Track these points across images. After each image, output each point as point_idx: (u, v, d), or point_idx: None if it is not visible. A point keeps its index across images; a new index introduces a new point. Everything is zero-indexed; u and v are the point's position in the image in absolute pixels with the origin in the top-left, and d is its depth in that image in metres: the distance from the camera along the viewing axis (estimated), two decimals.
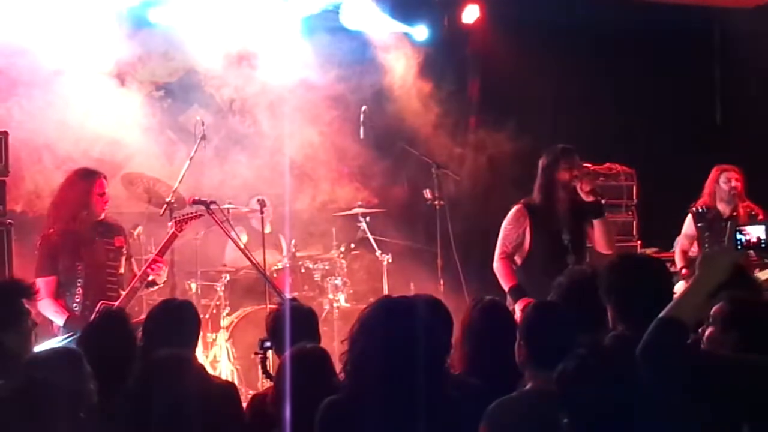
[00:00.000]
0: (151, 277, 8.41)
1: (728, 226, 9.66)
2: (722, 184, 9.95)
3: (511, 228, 8.59)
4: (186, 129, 10.96)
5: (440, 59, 12.23)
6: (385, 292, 10.71)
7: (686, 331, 4.17)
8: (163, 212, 9.35)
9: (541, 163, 8.67)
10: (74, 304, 8.14)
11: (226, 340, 10.03)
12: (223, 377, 9.21)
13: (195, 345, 6.23)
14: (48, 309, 8.08)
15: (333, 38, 11.58)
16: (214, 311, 10.27)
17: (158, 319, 6.06)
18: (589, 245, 8.91)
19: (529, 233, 8.53)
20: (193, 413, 4.83)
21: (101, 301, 8.05)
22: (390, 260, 10.96)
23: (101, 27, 10.37)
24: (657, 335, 4.11)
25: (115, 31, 10.47)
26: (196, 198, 9.03)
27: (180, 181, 9.55)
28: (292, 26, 11.41)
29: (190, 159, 9.86)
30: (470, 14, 12.18)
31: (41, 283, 8.04)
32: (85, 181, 8.31)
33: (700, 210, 9.98)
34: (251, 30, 11.21)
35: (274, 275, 10.17)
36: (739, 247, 4.60)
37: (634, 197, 11.73)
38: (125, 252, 8.50)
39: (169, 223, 8.84)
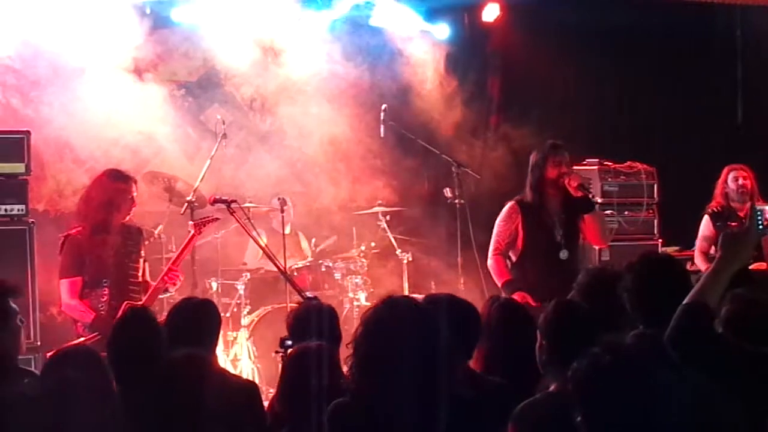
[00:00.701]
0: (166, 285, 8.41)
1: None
2: (730, 183, 9.97)
3: (504, 225, 8.70)
4: (207, 127, 10.99)
5: (461, 57, 12.23)
6: (406, 290, 10.71)
7: (711, 313, 4.17)
8: (184, 211, 9.36)
9: (531, 159, 8.76)
10: (100, 305, 8.07)
11: (247, 339, 10.03)
12: (244, 376, 9.21)
13: (215, 343, 6.25)
14: (74, 310, 8.08)
15: (354, 36, 11.59)
16: (235, 310, 10.28)
17: (179, 317, 6.06)
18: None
19: (522, 230, 8.60)
20: (214, 412, 4.84)
21: (126, 302, 8.01)
22: (410, 259, 10.97)
23: (122, 26, 10.40)
24: (683, 319, 4.12)
25: (136, 30, 10.49)
26: (217, 197, 8.97)
27: (201, 180, 9.57)
28: (313, 25, 11.43)
29: (211, 158, 9.88)
30: (490, 13, 12.20)
31: (66, 284, 8.10)
32: (118, 183, 8.26)
33: (715, 210, 9.97)
34: (272, 28, 11.23)
35: (295, 274, 10.17)
36: (760, 227, 4.60)
37: (655, 196, 11.69)
38: (143, 255, 8.47)
39: (190, 222, 8.86)
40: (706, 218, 10.02)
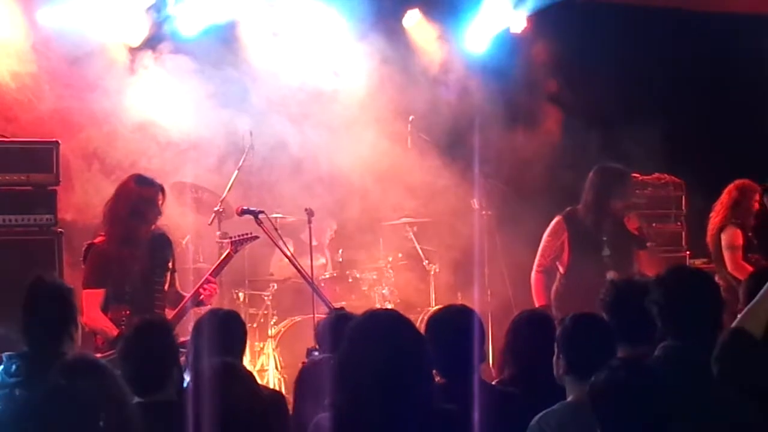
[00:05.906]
0: (201, 297, 8.07)
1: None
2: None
3: (550, 240, 8.65)
4: (235, 139, 10.95)
5: (489, 68, 12.20)
6: (432, 301, 10.73)
7: (755, 340, 4.14)
8: (212, 221, 9.39)
9: (593, 179, 8.67)
10: (122, 320, 7.64)
11: (274, 349, 10.05)
12: (270, 386, 9.22)
13: (242, 354, 6.25)
14: (98, 322, 7.66)
15: (383, 45, 11.56)
16: (262, 320, 10.30)
17: (205, 328, 6.07)
18: None
19: (568, 246, 8.57)
20: (243, 421, 4.85)
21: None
22: (437, 270, 10.97)
23: (149, 33, 10.43)
24: (727, 346, 4.10)
25: (167, 40, 10.53)
26: (245, 207, 8.88)
27: (228, 191, 9.58)
28: (343, 32, 11.43)
29: (239, 168, 9.90)
30: (518, 24, 12.22)
31: (89, 295, 7.69)
32: (143, 189, 7.85)
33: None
34: (301, 39, 11.24)
35: (322, 285, 10.15)
36: None
37: (683, 207, 11.65)
38: (171, 267, 8.11)
39: (225, 241, 8.74)
40: (732, 230, 9.81)
